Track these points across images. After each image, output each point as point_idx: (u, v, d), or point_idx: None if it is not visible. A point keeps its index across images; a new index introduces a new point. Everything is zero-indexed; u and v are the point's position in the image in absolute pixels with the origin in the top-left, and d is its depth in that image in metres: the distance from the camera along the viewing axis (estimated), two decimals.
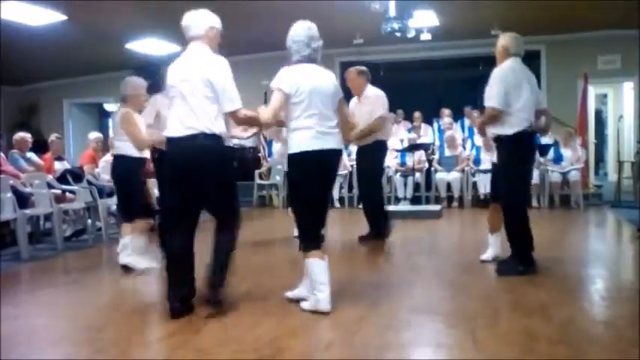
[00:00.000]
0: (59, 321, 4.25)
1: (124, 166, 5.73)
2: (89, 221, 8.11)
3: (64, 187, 7.88)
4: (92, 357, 3.40)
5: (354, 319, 3.95)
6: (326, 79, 4.16)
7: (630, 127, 13.31)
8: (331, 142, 4.07)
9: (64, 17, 9.36)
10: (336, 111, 4.18)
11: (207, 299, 4.09)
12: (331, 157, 4.10)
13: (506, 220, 5.24)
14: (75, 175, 8.30)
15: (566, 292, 4.60)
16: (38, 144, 9.57)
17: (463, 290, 4.71)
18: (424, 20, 9.86)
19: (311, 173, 4.03)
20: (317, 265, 4.05)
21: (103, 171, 8.62)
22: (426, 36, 10.30)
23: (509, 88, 5.09)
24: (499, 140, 5.21)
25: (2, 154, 7.91)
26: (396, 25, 8.36)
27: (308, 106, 4.01)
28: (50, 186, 7.57)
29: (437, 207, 10.14)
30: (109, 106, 14.92)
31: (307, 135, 4.00)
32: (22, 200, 7.00)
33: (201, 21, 4.11)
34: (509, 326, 3.72)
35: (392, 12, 8.44)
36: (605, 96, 15.78)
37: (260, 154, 11.53)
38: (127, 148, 5.64)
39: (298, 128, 4.03)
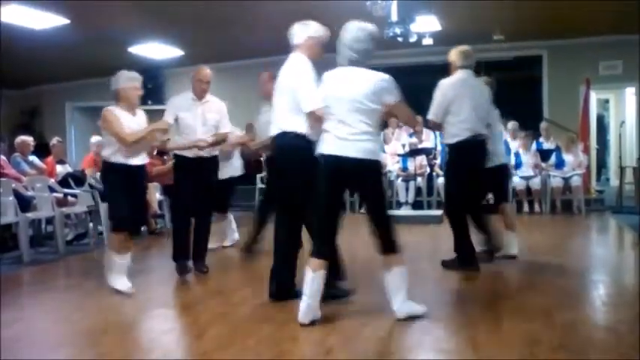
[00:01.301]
0: (60, 324, 4.25)
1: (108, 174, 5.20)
2: (91, 225, 8.11)
3: (66, 190, 7.89)
4: None
5: (354, 324, 3.94)
6: (356, 84, 3.98)
7: (632, 133, 13.30)
8: (351, 150, 3.91)
9: (67, 21, 9.37)
10: (369, 117, 3.98)
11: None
12: (351, 165, 3.92)
13: (450, 222, 5.68)
14: (77, 178, 8.31)
15: (568, 297, 4.60)
16: (40, 147, 9.58)
17: (464, 295, 4.71)
18: (426, 25, 9.86)
19: (325, 177, 3.99)
20: (306, 275, 3.97)
21: None
22: (427, 41, 10.29)
23: (448, 100, 5.42)
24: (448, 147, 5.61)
25: (4, 157, 7.92)
26: (398, 30, 8.34)
27: (332, 110, 4.00)
28: (52, 189, 7.58)
29: (438, 212, 10.13)
30: None
31: (327, 139, 4.01)
32: (24, 204, 7.01)
33: (301, 31, 4.47)
34: (510, 331, 3.71)
35: (394, 17, 8.43)
36: (607, 101, 15.77)
37: (262, 158, 11.55)
38: (112, 153, 5.08)
39: (324, 131, 4.06)
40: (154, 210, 8.69)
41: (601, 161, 15.30)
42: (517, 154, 10.79)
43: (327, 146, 3.98)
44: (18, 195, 6.96)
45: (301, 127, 4.24)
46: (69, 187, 8.00)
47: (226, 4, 9.15)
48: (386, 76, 4.04)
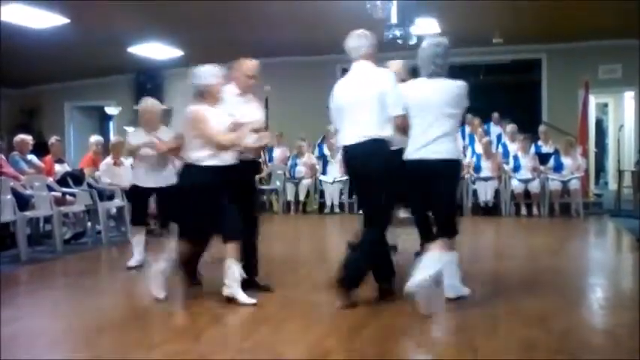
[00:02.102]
0: (58, 323, 4.25)
1: (196, 178, 4.62)
2: (89, 224, 8.10)
3: (64, 189, 7.87)
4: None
5: (353, 326, 3.94)
6: (440, 93, 4.33)
7: (631, 137, 13.32)
8: (433, 152, 4.27)
9: (67, 20, 9.37)
10: (450, 121, 4.34)
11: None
12: (434, 166, 4.28)
13: None
14: (75, 177, 8.30)
15: (566, 301, 4.59)
16: (39, 146, 9.56)
17: (462, 298, 4.70)
18: (426, 28, 9.86)
19: (412, 179, 4.42)
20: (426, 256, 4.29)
21: (103, 174, 8.61)
22: None
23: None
24: None
25: (3, 156, 7.90)
26: (397, 32, 8.35)
27: (416, 118, 4.35)
28: (50, 188, 7.57)
29: None
30: (110, 110, 14.93)
31: (413, 144, 4.37)
32: (22, 202, 6.99)
33: (366, 41, 4.55)
34: (508, 335, 3.71)
35: (394, 19, 8.44)
36: (605, 105, 15.78)
37: (260, 160, 11.56)
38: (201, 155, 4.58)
39: (409, 137, 4.41)
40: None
41: (599, 165, 15.31)
42: (516, 157, 10.80)
43: (414, 152, 4.35)
44: (16, 194, 6.94)
45: (388, 133, 4.43)
46: (67, 186, 7.99)
47: (226, 5, 9.15)
48: (462, 84, 4.40)
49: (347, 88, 4.55)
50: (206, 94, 4.63)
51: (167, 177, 6.02)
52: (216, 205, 4.52)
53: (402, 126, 4.42)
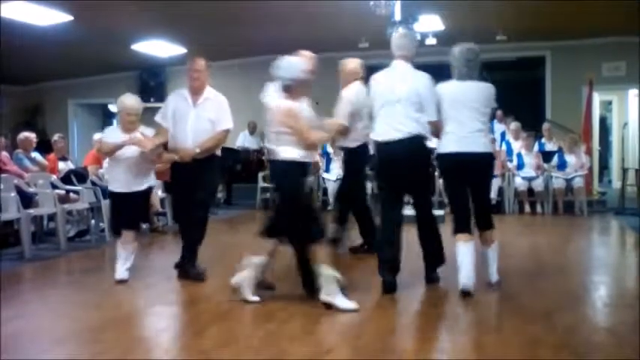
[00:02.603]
0: (62, 321, 4.25)
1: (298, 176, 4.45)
2: (92, 222, 8.10)
3: (68, 187, 7.88)
4: (94, 357, 3.41)
5: (356, 323, 3.95)
6: (473, 93, 4.73)
7: (635, 135, 13.30)
8: (472, 146, 4.64)
9: (70, 18, 9.37)
10: (483, 117, 4.74)
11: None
12: (472, 158, 4.65)
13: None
14: (79, 175, 8.29)
15: (570, 299, 4.60)
16: (43, 144, 9.57)
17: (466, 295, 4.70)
18: (429, 25, 9.87)
19: (450, 171, 4.89)
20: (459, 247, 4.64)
21: (107, 172, 8.62)
22: (431, 40, 10.30)
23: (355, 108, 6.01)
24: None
25: (6, 154, 7.92)
26: (401, 30, 8.35)
27: (448, 115, 4.72)
28: (54, 186, 7.57)
29: (440, 212, 10.11)
30: (113, 107, 14.94)
31: (450, 139, 4.72)
32: (26, 200, 7.00)
33: (410, 41, 4.95)
34: (512, 332, 3.71)
35: (397, 16, 8.44)
36: (609, 103, 15.76)
37: (264, 157, 11.55)
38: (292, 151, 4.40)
39: (445, 133, 4.76)
40: (155, 208, 8.68)
41: (603, 163, 15.29)
42: (519, 155, 10.77)
43: (450, 145, 4.70)
44: (20, 191, 6.95)
45: (425, 130, 4.78)
46: (71, 183, 7.99)
47: (230, 2, 9.14)
48: (491, 85, 4.83)
49: (387, 84, 4.82)
50: (293, 89, 4.40)
51: (145, 181, 5.50)
52: (310, 204, 4.62)
53: (437, 130, 4.80)
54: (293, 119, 4.30)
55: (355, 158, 6.31)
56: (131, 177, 5.37)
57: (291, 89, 4.38)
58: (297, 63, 4.46)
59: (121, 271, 5.36)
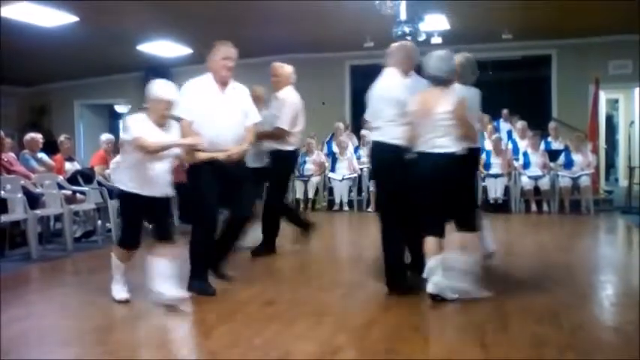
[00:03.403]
0: (68, 322, 4.27)
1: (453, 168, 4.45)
2: (99, 222, 8.13)
3: (75, 187, 7.90)
4: (101, 358, 3.42)
5: (362, 324, 3.95)
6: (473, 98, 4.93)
7: None
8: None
9: (76, 19, 9.40)
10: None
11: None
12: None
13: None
14: (85, 176, 8.32)
15: (576, 298, 4.58)
16: (49, 145, 9.59)
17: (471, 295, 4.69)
18: (435, 24, 9.85)
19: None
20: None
21: (113, 172, 8.63)
22: (436, 40, 10.28)
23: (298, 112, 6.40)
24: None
25: (13, 155, 7.94)
26: (406, 29, 8.35)
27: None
28: (61, 187, 7.60)
29: None
30: (119, 108, 14.98)
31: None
32: (33, 201, 7.03)
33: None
34: (518, 332, 3.71)
35: (403, 15, 8.43)
36: (616, 101, 15.70)
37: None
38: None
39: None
40: None
41: (610, 161, 15.24)
42: (525, 154, 10.75)
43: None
44: (27, 192, 6.98)
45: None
46: (78, 184, 8.02)
47: (235, 2, 9.16)
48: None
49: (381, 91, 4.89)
50: (442, 83, 4.52)
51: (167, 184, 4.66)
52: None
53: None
54: (463, 110, 4.50)
55: (287, 162, 6.60)
56: (166, 179, 4.61)
57: (443, 83, 4.59)
58: (447, 56, 4.64)
59: (173, 289, 4.47)
